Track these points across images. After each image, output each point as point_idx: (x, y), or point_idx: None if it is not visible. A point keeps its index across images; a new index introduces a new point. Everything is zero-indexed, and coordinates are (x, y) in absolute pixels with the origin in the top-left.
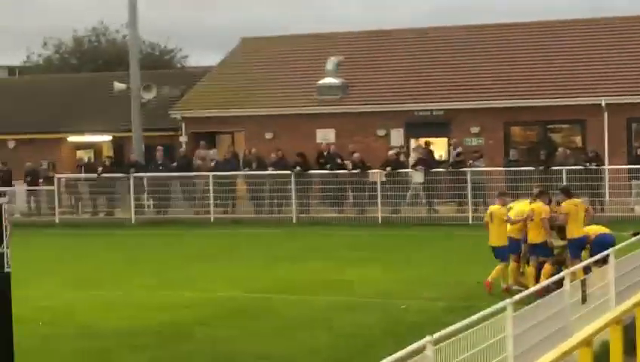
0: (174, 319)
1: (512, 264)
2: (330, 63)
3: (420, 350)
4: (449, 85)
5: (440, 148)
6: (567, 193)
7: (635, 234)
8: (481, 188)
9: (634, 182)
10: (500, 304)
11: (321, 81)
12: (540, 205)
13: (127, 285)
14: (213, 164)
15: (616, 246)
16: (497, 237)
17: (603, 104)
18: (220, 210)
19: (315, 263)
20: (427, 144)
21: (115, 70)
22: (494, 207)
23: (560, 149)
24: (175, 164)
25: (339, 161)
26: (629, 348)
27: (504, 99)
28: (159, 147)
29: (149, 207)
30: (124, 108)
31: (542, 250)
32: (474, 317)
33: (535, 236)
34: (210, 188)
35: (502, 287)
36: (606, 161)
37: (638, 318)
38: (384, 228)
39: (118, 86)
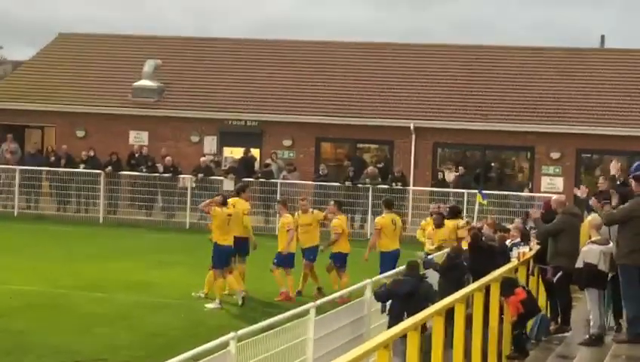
0: None
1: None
2: (148, 66)
3: (224, 346)
4: (264, 97)
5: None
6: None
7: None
8: (290, 201)
9: (434, 205)
10: (303, 307)
11: (137, 83)
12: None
13: None
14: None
15: None
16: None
17: (411, 127)
18: (24, 205)
19: (119, 263)
20: (247, 152)
21: None
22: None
23: (369, 168)
24: None
25: (150, 163)
26: (426, 358)
27: (317, 115)
28: None
29: None
30: None
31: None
32: (277, 318)
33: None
34: (17, 182)
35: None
36: (411, 182)
37: (435, 326)
38: (192, 233)
39: None
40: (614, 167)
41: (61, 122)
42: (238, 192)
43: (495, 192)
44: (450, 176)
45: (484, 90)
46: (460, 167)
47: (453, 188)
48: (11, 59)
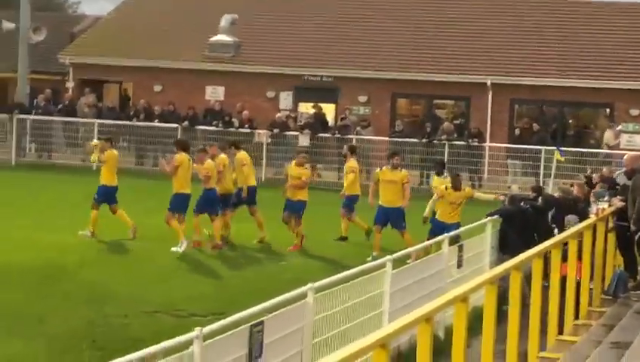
0: (54, 260)
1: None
2: (225, 20)
3: (301, 297)
4: (340, 52)
5: (328, 113)
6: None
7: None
8: (365, 156)
9: (511, 161)
10: (380, 260)
11: (214, 38)
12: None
13: (7, 225)
14: (87, 110)
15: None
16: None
17: (488, 83)
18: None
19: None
20: (318, 108)
21: (4, 8)
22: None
23: (445, 124)
24: (57, 109)
25: (227, 118)
26: (500, 316)
27: (393, 71)
28: (47, 90)
29: (30, 150)
30: (12, 48)
31: None
32: (354, 271)
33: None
34: (95, 135)
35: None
36: (487, 139)
37: (513, 282)
38: (267, 188)
39: (7, 25)
40: None
41: (139, 77)
42: (238, 146)
43: (572, 149)
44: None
45: (562, 46)
46: (534, 125)
47: None
48: (90, 14)
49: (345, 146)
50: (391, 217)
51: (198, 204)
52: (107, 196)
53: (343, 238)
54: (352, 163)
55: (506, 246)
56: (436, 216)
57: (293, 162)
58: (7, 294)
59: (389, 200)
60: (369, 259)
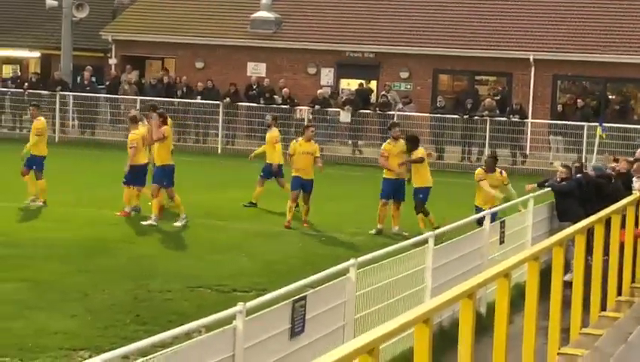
0: (98, 235)
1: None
2: None
3: (344, 272)
4: (382, 28)
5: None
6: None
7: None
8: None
9: (553, 137)
10: (422, 236)
11: (256, 15)
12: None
13: (50, 201)
14: (128, 87)
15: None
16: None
17: (531, 59)
18: None
19: (237, 192)
20: (362, 85)
21: None
22: None
23: (487, 100)
24: (103, 87)
25: (268, 95)
26: (542, 292)
27: (435, 47)
28: (88, 67)
29: (73, 126)
30: (56, 25)
31: None
32: (396, 247)
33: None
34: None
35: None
36: (529, 115)
37: (555, 258)
38: None
39: (50, 2)
40: None
41: (181, 53)
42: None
43: (615, 125)
44: None
45: (606, 21)
46: (578, 100)
47: None
48: None
49: (268, 116)
50: (400, 189)
51: (127, 175)
52: (35, 163)
53: (253, 204)
54: (275, 133)
55: (566, 215)
56: (479, 204)
57: (300, 139)
58: (51, 269)
59: (400, 173)
60: (406, 233)
